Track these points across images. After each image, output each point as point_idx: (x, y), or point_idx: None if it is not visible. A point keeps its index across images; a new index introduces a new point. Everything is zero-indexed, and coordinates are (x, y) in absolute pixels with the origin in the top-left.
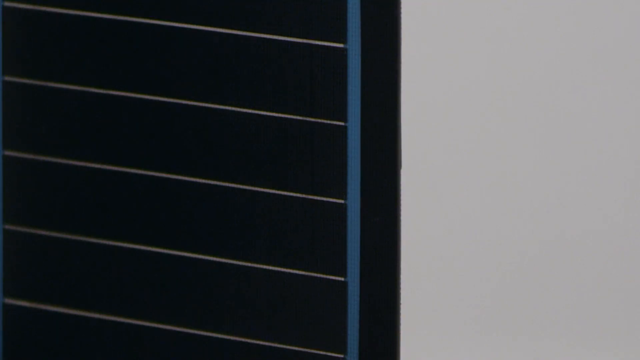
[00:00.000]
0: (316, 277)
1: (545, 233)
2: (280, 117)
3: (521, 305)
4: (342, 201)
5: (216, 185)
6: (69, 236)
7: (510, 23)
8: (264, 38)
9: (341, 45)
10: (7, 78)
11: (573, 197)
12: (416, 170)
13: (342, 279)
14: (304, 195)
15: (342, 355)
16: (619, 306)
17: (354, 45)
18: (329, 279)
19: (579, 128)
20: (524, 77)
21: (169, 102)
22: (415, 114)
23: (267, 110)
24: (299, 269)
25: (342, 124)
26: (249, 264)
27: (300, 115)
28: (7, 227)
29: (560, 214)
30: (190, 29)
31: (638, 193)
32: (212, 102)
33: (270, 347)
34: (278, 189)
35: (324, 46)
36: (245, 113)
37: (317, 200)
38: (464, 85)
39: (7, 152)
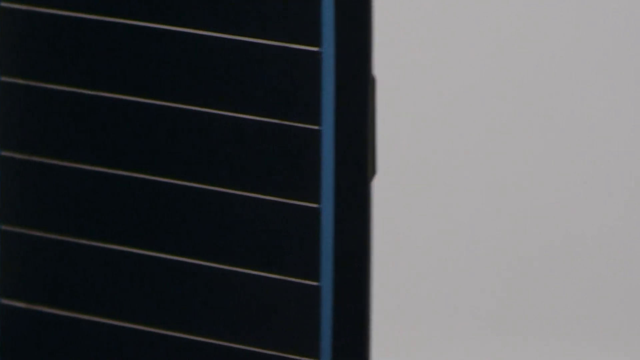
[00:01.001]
0: (290, 281)
1: (544, 233)
2: (255, 120)
3: (516, 307)
4: (316, 205)
5: (190, 187)
6: (62, 237)
7: (489, 25)
8: (239, 40)
9: (316, 49)
10: (4, 79)
11: (573, 197)
12: (415, 171)
13: (316, 283)
14: (278, 199)
15: None
16: (619, 306)
17: (328, 49)
18: (302, 284)
19: (576, 128)
20: (509, 77)
21: (145, 103)
22: (414, 115)
23: (241, 112)
24: (273, 273)
25: (316, 127)
26: (224, 266)
27: (274, 118)
28: (4, 227)
29: (558, 214)
30: (165, 30)
31: (638, 193)
32: (187, 104)
33: (244, 350)
34: (252, 192)
35: (298, 49)
36: (220, 115)
37: (291, 204)
38: (455, 86)
39: (4, 153)
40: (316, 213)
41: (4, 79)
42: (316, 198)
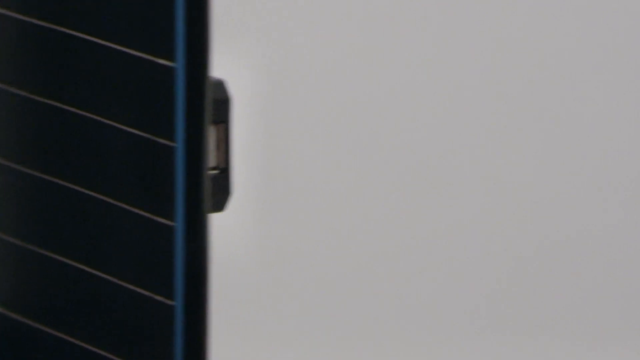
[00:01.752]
0: (146, 297)
1: (543, 233)
2: (118, 128)
3: (515, 307)
4: (171, 223)
5: (56, 184)
6: None
7: (489, 26)
8: (101, 44)
9: (171, 64)
10: None
11: (572, 197)
12: (414, 170)
13: (170, 302)
14: (136, 210)
15: None
16: (619, 306)
17: (180, 66)
18: (157, 301)
19: (575, 128)
20: (508, 77)
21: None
22: (413, 115)
23: (105, 117)
24: (128, 283)
25: (171, 144)
26: (82, 266)
27: (133, 128)
28: None
29: (557, 214)
30: (25, 22)
31: (638, 193)
32: (52, 100)
33: (101, 355)
34: (110, 198)
35: (155, 63)
36: (88, 117)
37: (148, 218)
38: (454, 86)
39: None
40: (171, 231)
41: None
42: (171, 216)
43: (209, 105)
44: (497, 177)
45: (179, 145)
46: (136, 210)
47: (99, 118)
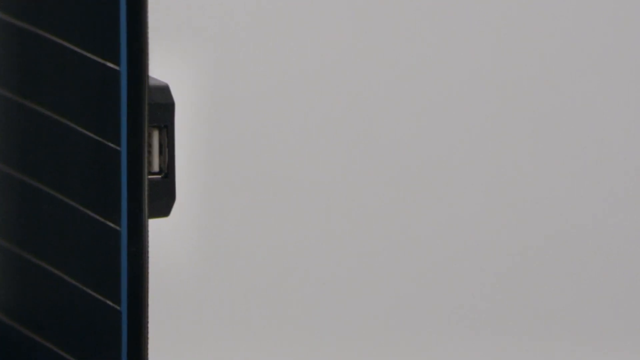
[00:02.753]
0: (94, 300)
1: (543, 233)
2: (67, 124)
3: (514, 307)
4: (117, 228)
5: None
6: None
7: (488, 25)
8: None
9: (116, 67)
10: None
11: (571, 197)
12: (414, 170)
13: (118, 307)
14: (85, 210)
15: None
16: (618, 306)
17: (124, 70)
18: (105, 304)
19: (574, 127)
20: (507, 76)
21: None
22: (413, 115)
23: (55, 113)
24: (75, 281)
25: (117, 147)
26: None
27: (83, 128)
28: None
29: (557, 214)
30: None
31: (636, 193)
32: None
33: (48, 348)
34: (60, 194)
35: (102, 64)
36: (44, 114)
37: (95, 220)
38: (454, 86)
39: None
40: (117, 236)
41: None
42: (117, 221)
43: (146, 109)
44: (497, 177)
45: (122, 149)
46: (87, 212)
47: (55, 115)
